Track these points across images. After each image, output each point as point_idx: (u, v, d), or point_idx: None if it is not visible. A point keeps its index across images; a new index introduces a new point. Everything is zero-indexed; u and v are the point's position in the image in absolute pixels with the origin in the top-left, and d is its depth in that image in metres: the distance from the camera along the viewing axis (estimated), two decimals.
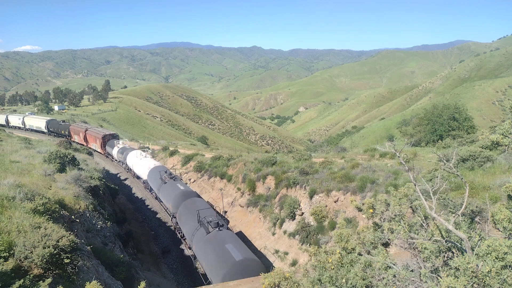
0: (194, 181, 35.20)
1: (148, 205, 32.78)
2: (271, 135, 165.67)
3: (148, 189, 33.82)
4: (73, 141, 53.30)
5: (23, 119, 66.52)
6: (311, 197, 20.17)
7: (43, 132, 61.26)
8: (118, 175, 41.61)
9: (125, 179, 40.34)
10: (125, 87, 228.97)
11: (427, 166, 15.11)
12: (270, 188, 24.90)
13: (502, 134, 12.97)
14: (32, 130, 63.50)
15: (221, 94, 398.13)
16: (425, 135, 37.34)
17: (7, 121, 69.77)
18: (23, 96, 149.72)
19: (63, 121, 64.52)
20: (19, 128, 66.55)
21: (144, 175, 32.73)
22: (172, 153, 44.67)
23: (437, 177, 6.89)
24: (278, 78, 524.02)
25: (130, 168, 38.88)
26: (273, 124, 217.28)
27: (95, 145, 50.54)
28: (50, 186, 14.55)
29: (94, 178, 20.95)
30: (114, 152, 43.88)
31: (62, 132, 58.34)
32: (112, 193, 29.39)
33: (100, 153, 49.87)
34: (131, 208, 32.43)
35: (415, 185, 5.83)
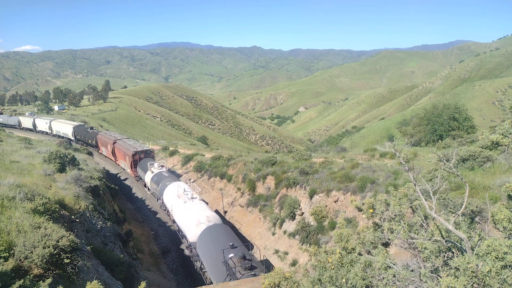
0: (194, 181, 35.23)
1: (148, 205, 32.79)
2: (271, 135, 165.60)
3: (198, 261, 19.09)
4: (101, 154, 47.07)
5: (50, 123, 60.53)
6: (311, 197, 20.17)
7: (69, 139, 52.90)
8: (118, 175, 41.59)
9: (125, 179, 40.33)
10: (125, 87, 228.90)
11: (427, 166, 15.10)
12: (270, 188, 24.91)
13: (502, 134, 12.97)
14: (59, 136, 56.60)
15: (221, 94, 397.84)
16: (425, 135, 37.32)
17: (34, 125, 64.93)
18: (23, 96, 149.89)
19: (91, 128, 56.65)
20: (46, 133, 60.82)
21: (191, 234, 19.60)
22: (172, 153, 44.77)
23: (437, 177, 6.89)
24: (278, 78, 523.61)
25: (168, 210, 26.61)
26: (273, 124, 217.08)
27: (124, 164, 39.83)
28: (50, 186, 14.55)
29: (94, 178, 20.97)
30: (147, 178, 32.11)
31: (89, 141, 50.67)
32: (112, 193, 29.37)
33: (131, 175, 38.87)
34: (131, 208, 32.43)
35: (415, 185, 5.83)
